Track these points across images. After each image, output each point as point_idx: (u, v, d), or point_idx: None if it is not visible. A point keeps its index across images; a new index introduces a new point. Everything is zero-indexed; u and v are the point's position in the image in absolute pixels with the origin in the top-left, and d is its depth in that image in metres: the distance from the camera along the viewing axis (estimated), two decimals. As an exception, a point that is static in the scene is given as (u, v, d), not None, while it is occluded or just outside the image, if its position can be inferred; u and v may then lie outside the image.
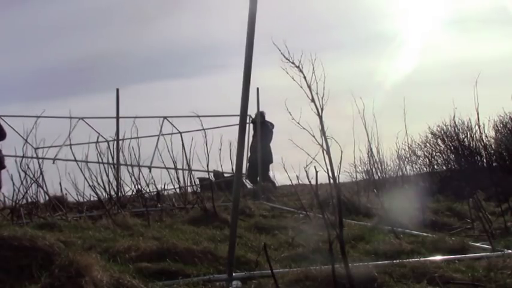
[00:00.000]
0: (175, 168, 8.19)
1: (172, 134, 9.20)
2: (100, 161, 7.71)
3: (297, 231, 5.07)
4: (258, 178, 10.28)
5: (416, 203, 6.46)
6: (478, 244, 4.60)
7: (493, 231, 5.16)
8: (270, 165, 11.14)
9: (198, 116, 9.03)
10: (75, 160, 7.33)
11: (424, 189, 9.18)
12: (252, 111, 10.13)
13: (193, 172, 8.57)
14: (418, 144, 11.39)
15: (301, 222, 5.98)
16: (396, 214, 5.56)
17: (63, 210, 6.62)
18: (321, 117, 3.08)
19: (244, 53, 3.36)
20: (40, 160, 7.42)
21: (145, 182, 7.90)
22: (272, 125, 11.39)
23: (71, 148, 7.83)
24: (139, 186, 7.75)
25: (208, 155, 8.52)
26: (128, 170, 8.04)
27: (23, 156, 7.03)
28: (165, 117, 9.35)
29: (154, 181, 8.03)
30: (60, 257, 3.29)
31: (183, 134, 9.11)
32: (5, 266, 3.47)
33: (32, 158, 7.31)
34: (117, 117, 8.90)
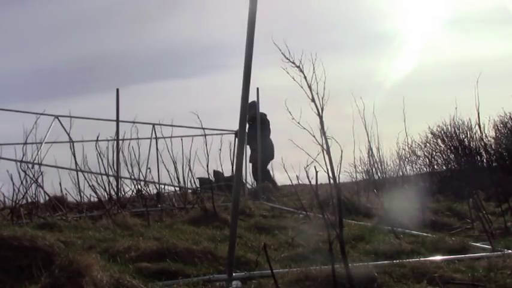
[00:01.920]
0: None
1: (162, 137, 9.16)
2: (100, 161, 7.75)
3: (297, 231, 5.07)
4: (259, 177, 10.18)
5: (416, 203, 6.45)
6: (478, 244, 4.60)
7: (493, 231, 5.16)
8: (271, 162, 10.71)
9: (194, 127, 9.08)
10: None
11: (424, 189, 9.17)
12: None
13: (193, 172, 8.55)
14: (418, 144, 11.40)
15: (301, 222, 5.98)
16: (396, 214, 5.56)
17: (63, 210, 6.62)
18: (321, 117, 3.08)
19: (244, 53, 3.36)
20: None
21: (145, 182, 7.92)
22: (265, 114, 10.71)
23: (73, 147, 7.77)
24: (139, 186, 7.76)
25: (208, 156, 8.53)
26: (127, 170, 8.06)
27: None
28: (154, 124, 9.34)
29: (154, 181, 8.06)
30: (60, 257, 3.29)
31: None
32: (5, 266, 3.47)
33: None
34: (117, 118, 8.87)
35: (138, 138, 8.66)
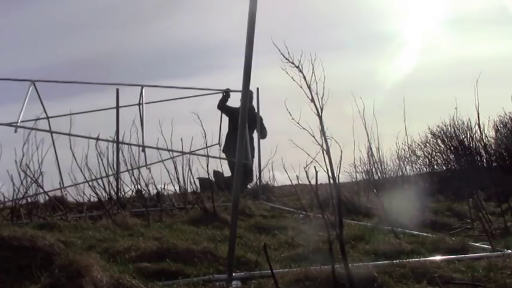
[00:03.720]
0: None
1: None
2: (100, 161, 7.75)
3: (297, 231, 5.07)
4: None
5: (416, 203, 6.46)
6: (478, 244, 4.60)
7: (493, 231, 5.16)
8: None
9: (185, 87, 9.08)
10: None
11: (424, 189, 9.19)
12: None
13: (193, 172, 8.54)
14: (418, 144, 11.43)
15: (301, 222, 5.98)
16: (396, 214, 5.56)
17: (63, 210, 6.63)
18: (320, 117, 3.08)
19: (244, 53, 3.36)
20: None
21: (145, 182, 7.92)
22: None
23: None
24: (139, 186, 7.77)
25: (208, 155, 8.52)
26: (127, 170, 8.06)
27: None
28: (142, 86, 9.27)
29: (154, 181, 8.05)
30: (60, 257, 3.29)
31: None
32: (5, 266, 3.47)
33: None
34: (117, 119, 8.85)
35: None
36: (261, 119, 9.95)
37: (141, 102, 8.97)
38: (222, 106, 10.25)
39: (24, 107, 7.91)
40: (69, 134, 7.82)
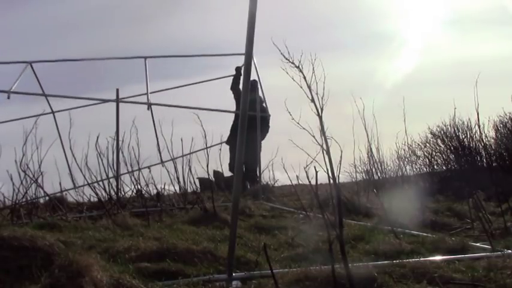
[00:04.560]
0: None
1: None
2: (100, 161, 7.73)
3: (297, 231, 5.07)
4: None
5: (416, 203, 6.46)
6: (478, 244, 4.60)
7: (493, 231, 5.16)
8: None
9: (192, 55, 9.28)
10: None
11: (424, 189, 9.20)
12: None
13: (192, 172, 8.52)
14: (418, 144, 11.44)
15: (301, 222, 5.98)
16: (396, 214, 5.56)
17: (63, 210, 6.63)
18: (320, 118, 3.08)
19: (244, 53, 3.36)
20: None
21: (145, 181, 7.91)
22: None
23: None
24: (139, 186, 7.76)
25: (208, 155, 8.52)
26: (127, 170, 8.05)
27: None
28: (146, 57, 9.24)
29: (154, 181, 8.05)
30: (60, 257, 3.29)
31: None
32: (5, 266, 3.47)
33: None
34: (117, 119, 8.84)
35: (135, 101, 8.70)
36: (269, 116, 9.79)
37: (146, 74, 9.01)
38: (235, 87, 9.94)
39: (19, 80, 8.04)
40: (65, 96, 7.88)
